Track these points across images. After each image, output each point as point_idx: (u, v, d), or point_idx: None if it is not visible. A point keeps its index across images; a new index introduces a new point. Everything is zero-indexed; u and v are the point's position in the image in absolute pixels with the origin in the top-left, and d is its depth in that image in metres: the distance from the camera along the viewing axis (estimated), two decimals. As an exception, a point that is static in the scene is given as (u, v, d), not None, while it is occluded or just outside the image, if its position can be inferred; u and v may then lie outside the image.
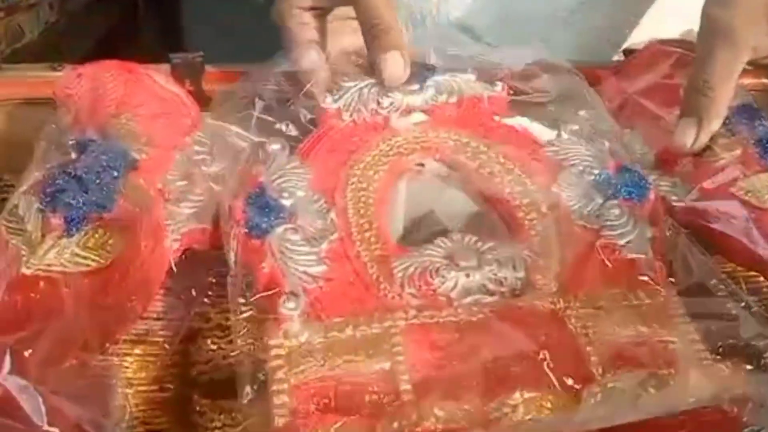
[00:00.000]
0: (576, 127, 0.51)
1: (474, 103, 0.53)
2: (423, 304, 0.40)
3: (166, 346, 0.40)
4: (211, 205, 0.45)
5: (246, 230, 0.43)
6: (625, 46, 0.74)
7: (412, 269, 0.41)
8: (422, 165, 0.51)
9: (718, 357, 0.36)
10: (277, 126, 0.50)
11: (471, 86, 0.53)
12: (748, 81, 0.59)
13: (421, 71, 0.53)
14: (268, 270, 0.41)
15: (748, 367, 0.35)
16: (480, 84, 0.53)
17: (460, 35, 0.77)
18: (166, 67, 0.58)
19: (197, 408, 0.41)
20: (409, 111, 0.52)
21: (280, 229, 0.43)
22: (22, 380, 0.29)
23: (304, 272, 0.41)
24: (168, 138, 0.48)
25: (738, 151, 0.47)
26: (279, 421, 0.33)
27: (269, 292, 0.40)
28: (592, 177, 0.47)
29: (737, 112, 0.50)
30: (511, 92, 0.54)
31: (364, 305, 0.40)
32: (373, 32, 0.52)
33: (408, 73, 0.51)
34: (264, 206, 0.44)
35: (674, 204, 0.47)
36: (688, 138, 0.48)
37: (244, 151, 0.48)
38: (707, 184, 0.46)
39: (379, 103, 0.51)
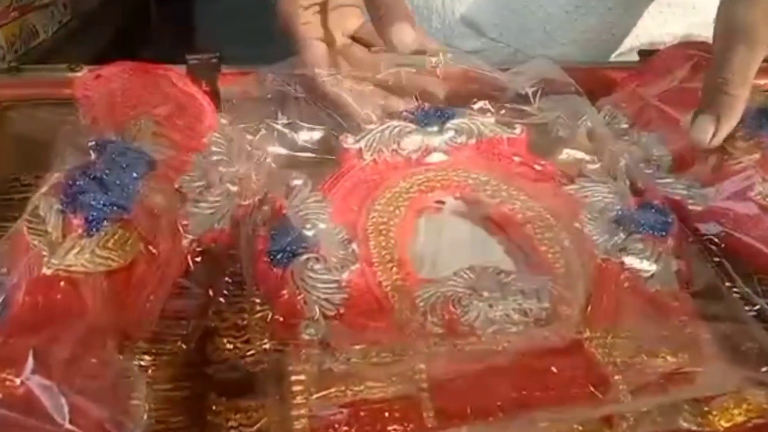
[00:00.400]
0: (596, 167, 0.52)
1: (494, 144, 0.54)
2: (446, 332, 0.39)
3: (183, 345, 0.39)
4: (229, 206, 0.46)
5: (267, 258, 0.43)
6: (627, 39, 0.74)
7: (434, 299, 0.41)
8: (442, 202, 0.51)
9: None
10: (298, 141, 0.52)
11: (490, 129, 0.54)
12: (764, 81, 0.60)
13: (440, 113, 0.54)
14: (288, 297, 0.41)
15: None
16: (499, 126, 0.54)
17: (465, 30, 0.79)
18: (182, 67, 0.59)
19: (213, 407, 0.40)
20: (429, 151, 0.53)
21: (302, 258, 0.43)
22: (44, 380, 0.28)
23: (326, 300, 0.41)
24: (186, 139, 0.48)
25: (757, 155, 0.47)
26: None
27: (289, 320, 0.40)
28: (614, 213, 0.47)
29: (756, 115, 0.49)
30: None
31: (386, 333, 0.39)
32: (379, 9, 0.53)
33: (417, 41, 0.52)
34: (286, 235, 0.44)
35: (691, 208, 0.47)
36: (706, 134, 0.48)
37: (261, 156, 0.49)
38: (725, 188, 0.46)
39: (399, 143, 0.52)
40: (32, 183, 0.51)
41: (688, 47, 0.60)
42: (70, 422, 0.27)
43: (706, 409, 0.33)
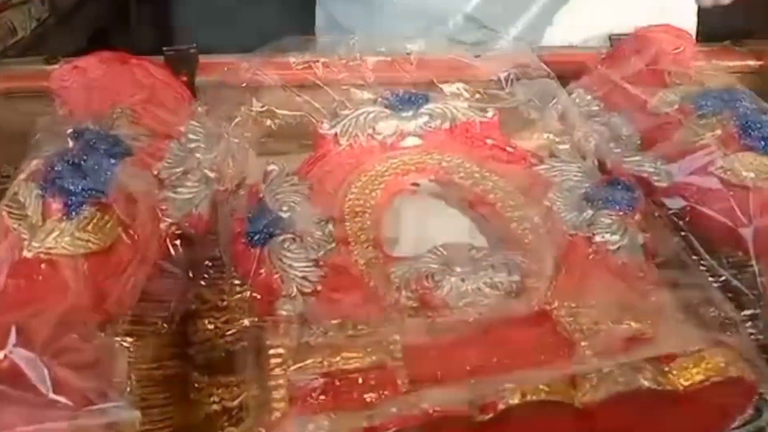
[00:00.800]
0: (566, 147, 0.54)
1: (467, 128, 0.55)
2: (419, 306, 0.40)
3: (164, 327, 0.40)
4: (207, 191, 0.47)
5: (245, 239, 0.44)
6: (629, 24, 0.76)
7: (408, 275, 0.42)
8: (417, 185, 0.53)
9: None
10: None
11: (464, 113, 0.55)
12: (733, 63, 0.62)
13: (415, 99, 0.55)
14: (265, 275, 0.42)
15: (737, 348, 0.36)
16: (472, 110, 0.56)
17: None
18: (160, 59, 0.59)
19: (195, 385, 0.41)
20: (403, 136, 0.54)
21: (279, 239, 0.44)
22: (27, 352, 0.29)
23: (303, 278, 0.42)
24: (162, 127, 0.49)
25: (718, 131, 0.48)
26: (276, 414, 0.33)
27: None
28: (583, 190, 0.48)
29: (718, 94, 0.51)
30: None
31: (362, 308, 0.40)
32: None
33: None
34: (263, 218, 0.45)
35: (656, 184, 0.49)
36: None
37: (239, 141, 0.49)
38: (688, 164, 0.47)
39: (374, 128, 0.54)
40: (10, 175, 0.51)
41: (655, 31, 0.61)
42: (53, 392, 0.28)
43: (666, 369, 0.35)
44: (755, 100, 0.51)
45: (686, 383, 0.34)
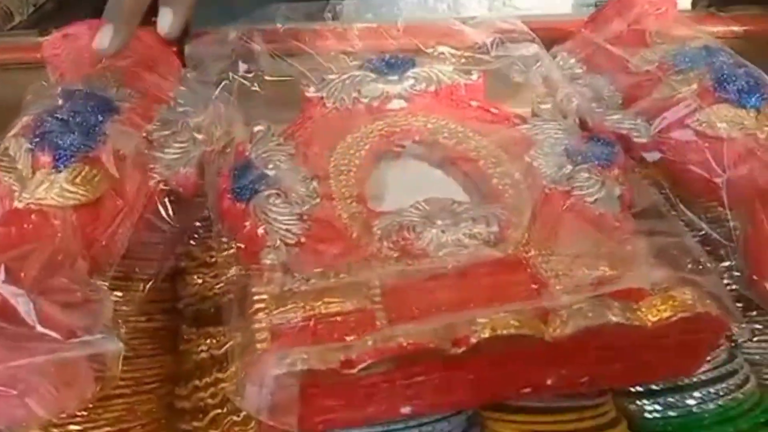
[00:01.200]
0: (548, 106, 0.55)
1: (452, 90, 0.56)
2: (400, 256, 0.41)
3: (153, 283, 0.42)
4: (195, 151, 0.48)
5: (230, 195, 0.45)
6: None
7: (390, 227, 0.43)
8: (402, 146, 0.53)
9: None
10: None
11: (449, 76, 0.56)
12: (716, 29, 0.62)
13: (401, 62, 0.56)
14: (250, 228, 0.43)
15: (705, 286, 0.37)
16: (457, 73, 0.56)
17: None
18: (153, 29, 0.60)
19: (185, 337, 0.42)
20: (389, 99, 0.55)
21: (263, 194, 0.45)
22: (16, 288, 0.30)
23: (287, 230, 0.43)
24: (151, 90, 0.50)
25: (695, 86, 0.49)
26: (257, 352, 0.34)
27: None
28: (563, 147, 0.49)
29: (697, 51, 0.52)
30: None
31: (344, 258, 0.41)
32: None
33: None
34: (249, 174, 0.46)
35: (636, 140, 0.50)
36: None
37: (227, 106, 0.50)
38: (666, 118, 0.48)
39: (360, 92, 0.55)
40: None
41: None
42: (41, 325, 0.29)
43: (635, 307, 0.36)
44: (733, 56, 0.52)
45: (654, 319, 0.35)
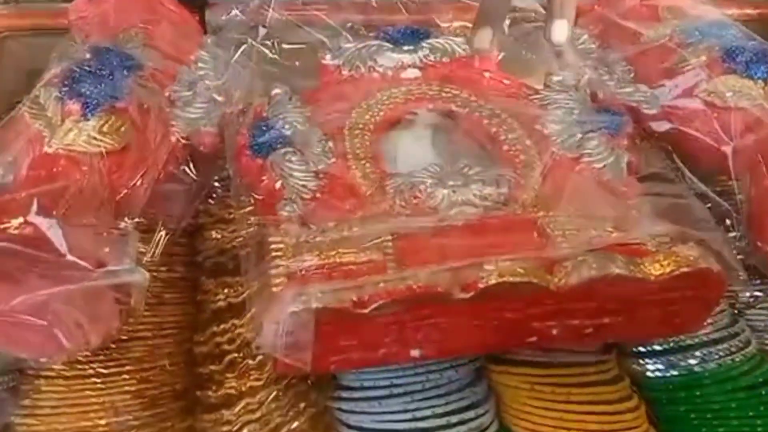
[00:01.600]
0: (560, 78, 0.56)
1: (466, 62, 0.57)
2: (412, 213, 0.43)
3: (173, 236, 0.43)
4: (215, 112, 0.49)
5: (249, 152, 0.46)
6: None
7: (403, 186, 0.45)
8: (415, 114, 0.54)
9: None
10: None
11: (463, 48, 0.57)
12: (731, 11, 0.62)
13: (415, 33, 0.58)
14: (267, 182, 0.45)
15: (708, 243, 0.38)
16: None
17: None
18: None
19: (203, 287, 0.43)
20: (404, 68, 0.56)
21: (281, 151, 0.46)
22: (48, 218, 0.32)
23: (303, 186, 0.45)
24: (174, 52, 0.52)
25: (703, 57, 0.50)
26: (276, 290, 0.36)
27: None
28: (573, 116, 0.50)
29: (708, 25, 0.53)
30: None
31: (358, 212, 0.43)
32: None
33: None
34: (266, 132, 0.47)
35: (645, 112, 0.51)
36: None
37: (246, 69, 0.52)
38: (675, 87, 0.49)
39: (375, 60, 0.56)
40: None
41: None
42: (71, 254, 0.31)
43: (639, 261, 0.37)
44: (743, 30, 0.52)
45: (657, 273, 0.36)
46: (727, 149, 0.45)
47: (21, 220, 0.32)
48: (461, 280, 0.35)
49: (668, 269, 0.36)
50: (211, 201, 0.50)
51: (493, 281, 0.35)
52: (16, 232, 0.31)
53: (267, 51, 0.57)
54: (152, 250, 0.41)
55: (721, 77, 0.48)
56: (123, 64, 0.44)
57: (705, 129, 0.47)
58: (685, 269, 0.36)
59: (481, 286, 0.35)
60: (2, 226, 0.32)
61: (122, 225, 0.37)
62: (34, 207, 0.32)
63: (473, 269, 0.35)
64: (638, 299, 0.37)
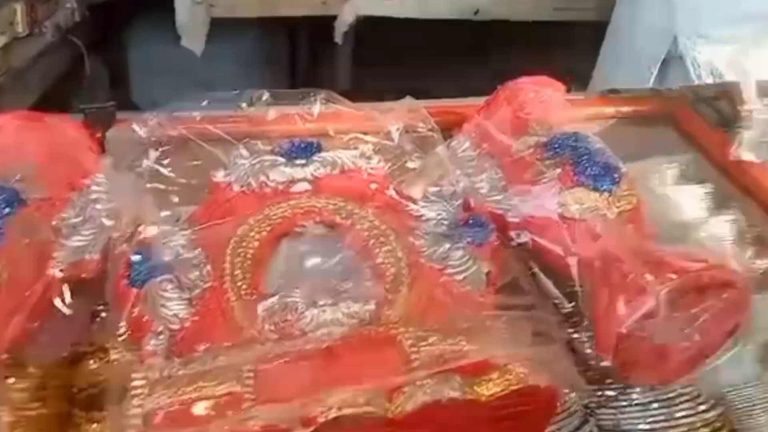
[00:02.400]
0: (437, 189, 0.60)
1: (354, 174, 0.61)
2: (279, 337, 0.45)
3: (52, 369, 0.44)
4: (102, 235, 0.51)
5: (126, 281, 0.48)
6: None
7: (274, 309, 0.47)
8: (304, 227, 0.58)
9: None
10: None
11: (352, 160, 0.61)
12: (608, 109, 0.69)
13: (308, 147, 0.62)
14: (137, 313, 0.47)
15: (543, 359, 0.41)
16: (361, 158, 0.62)
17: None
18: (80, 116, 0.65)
19: (75, 420, 0.44)
20: (294, 182, 0.60)
21: (158, 279, 0.48)
22: None
23: (174, 315, 0.47)
24: (66, 180, 0.54)
25: (558, 170, 0.54)
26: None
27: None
28: (443, 228, 0.54)
29: (568, 138, 0.57)
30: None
31: (225, 341, 0.45)
32: None
33: None
34: (145, 262, 0.49)
35: (510, 220, 0.55)
36: None
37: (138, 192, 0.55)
38: (534, 199, 0.53)
39: (267, 176, 0.59)
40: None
41: (526, 82, 0.68)
42: None
43: (476, 381, 0.39)
44: (598, 142, 0.57)
45: (488, 393, 0.39)
46: (572, 260, 0.48)
47: None
48: (303, 415, 0.37)
49: (499, 388, 0.39)
50: (93, 326, 0.51)
51: (332, 414, 0.37)
52: None
53: (162, 169, 0.60)
54: (24, 388, 0.42)
55: (571, 190, 0.52)
56: (4, 202, 0.47)
57: (555, 239, 0.51)
58: (514, 387, 0.39)
59: (320, 420, 0.37)
60: None
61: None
62: None
63: (315, 404, 0.37)
64: (473, 420, 0.40)
